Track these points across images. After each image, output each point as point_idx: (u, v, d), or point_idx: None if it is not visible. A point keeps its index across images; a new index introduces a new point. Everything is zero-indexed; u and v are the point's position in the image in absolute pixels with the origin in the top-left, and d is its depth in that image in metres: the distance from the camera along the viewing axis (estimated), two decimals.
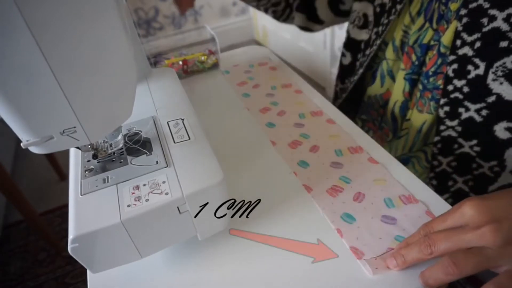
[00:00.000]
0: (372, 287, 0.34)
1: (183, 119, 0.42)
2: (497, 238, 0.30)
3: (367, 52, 0.64)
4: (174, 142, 0.38)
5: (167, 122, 0.41)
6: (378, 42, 0.60)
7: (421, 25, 0.53)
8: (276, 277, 0.36)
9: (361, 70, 0.65)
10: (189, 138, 0.39)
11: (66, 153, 0.39)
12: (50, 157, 1.54)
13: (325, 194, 0.44)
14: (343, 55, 0.71)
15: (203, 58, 0.72)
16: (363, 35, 0.65)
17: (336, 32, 1.69)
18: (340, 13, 0.73)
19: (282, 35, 2.24)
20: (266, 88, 0.67)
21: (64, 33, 0.24)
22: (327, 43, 1.78)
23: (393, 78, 0.61)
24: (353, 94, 0.70)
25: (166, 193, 0.33)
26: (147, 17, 2.31)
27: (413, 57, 0.55)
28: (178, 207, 0.33)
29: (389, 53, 0.60)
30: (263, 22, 2.44)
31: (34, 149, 0.28)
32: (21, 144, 0.27)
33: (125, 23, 0.42)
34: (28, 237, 1.37)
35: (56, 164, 1.57)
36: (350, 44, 0.68)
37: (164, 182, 0.34)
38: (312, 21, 0.75)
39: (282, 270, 0.36)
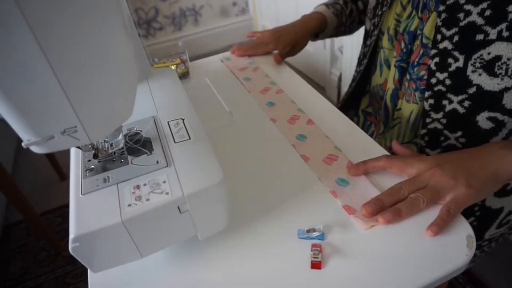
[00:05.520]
0: (373, 285, 0.34)
1: (183, 119, 0.42)
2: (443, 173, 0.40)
3: (368, 42, 0.67)
4: (175, 142, 0.39)
5: (168, 122, 0.41)
6: (375, 32, 0.63)
7: (409, 13, 0.55)
8: (276, 277, 0.36)
9: (365, 60, 0.68)
10: (190, 138, 0.39)
11: (66, 153, 0.39)
12: (50, 156, 1.54)
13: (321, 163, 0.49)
14: (362, 47, 0.75)
15: (173, 67, 0.73)
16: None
17: None
18: None
19: None
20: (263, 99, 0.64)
21: (65, 33, 0.24)
22: (327, 43, 1.78)
23: (389, 67, 0.63)
24: (358, 87, 0.73)
25: (167, 193, 0.33)
26: (147, 17, 2.31)
27: (402, 45, 0.57)
28: (178, 207, 0.33)
29: (385, 42, 0.62)
30: (263, 22, 2.44)
31: (35, 149, 0.28)
32: (22, 144, 0.27)
33: (125, 23, 0.42)
34: (28, 237, 1.37)
35: (57, 164, 1.57)
36: (365, 36, 0.72)
37: (164, 182, 0.34)
38: None
39: (282, 270, 0.36)
